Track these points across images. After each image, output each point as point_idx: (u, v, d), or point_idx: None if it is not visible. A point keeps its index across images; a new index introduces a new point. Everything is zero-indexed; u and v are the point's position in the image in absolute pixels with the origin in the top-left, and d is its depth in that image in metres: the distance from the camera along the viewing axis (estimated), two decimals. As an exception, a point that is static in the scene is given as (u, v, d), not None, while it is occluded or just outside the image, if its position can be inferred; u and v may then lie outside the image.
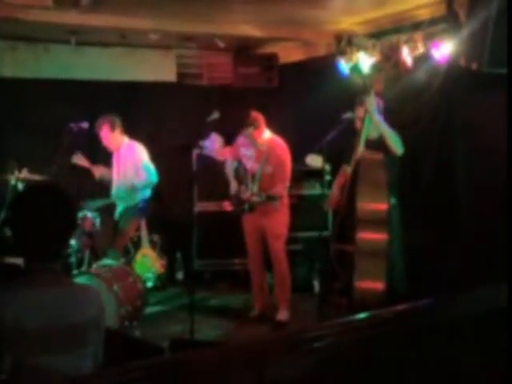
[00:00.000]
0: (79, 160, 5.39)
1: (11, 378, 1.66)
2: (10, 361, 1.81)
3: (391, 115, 4.45)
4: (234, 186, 4.95)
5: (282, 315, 4.83)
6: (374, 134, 4.30)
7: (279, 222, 4.82)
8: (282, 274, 4.86)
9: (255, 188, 4.70)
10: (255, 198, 4.60)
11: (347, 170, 4.34)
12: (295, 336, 1.93)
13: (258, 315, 4.96)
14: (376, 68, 5.25)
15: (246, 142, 4.89)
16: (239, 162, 4.92)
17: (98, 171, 5.42)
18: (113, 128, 5.26)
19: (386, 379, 1.85)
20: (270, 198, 4.53)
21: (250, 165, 4.83)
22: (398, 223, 4.23)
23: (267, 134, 4.83)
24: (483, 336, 2.05)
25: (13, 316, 1.82)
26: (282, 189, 4.67)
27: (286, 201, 4.85)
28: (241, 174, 4.85)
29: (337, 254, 4.28)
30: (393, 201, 4.19)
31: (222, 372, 1.70)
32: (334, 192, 4.60)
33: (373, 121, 4.21)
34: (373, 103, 4.17)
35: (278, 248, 4.83)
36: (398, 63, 4.79)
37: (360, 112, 4.34)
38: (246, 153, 4.89)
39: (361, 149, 4.25)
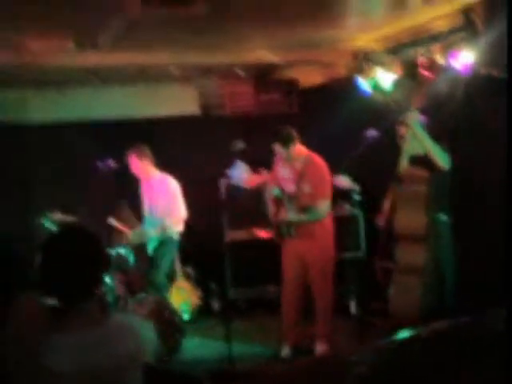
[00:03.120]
0: (114, 223, 5.35)
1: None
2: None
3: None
4: (271, 211, 4.69)
5: (322, 348, 4.54)
6: (419, 151, 4.17)
7: (324, 244, 4.51)
8: (326, 304, 4.54)
9: (292, 209, 4.46)
10: (291, 217, 4.42)
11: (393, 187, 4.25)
12: (335, 361, 1.88)
13: (291, 353, 4.63)
14: (398, 84, 5.23)
15: (280, 161, 4.65)
16: (279, 186, 4.63)
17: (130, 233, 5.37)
18: (141, 157, 5.33)
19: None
20: (306, 212, 4.32)
21: (288, 186, 4.59)
22: (449, 240, 4.09)
23: (302, 150, 4.58)
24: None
25: (51, 359, 1.82)
26: (324, 206, 4.42)
27: (329, 221, 4.59)
28: (279, 199, 4.60)
29: (381, 272, 4.19)
30: (443, 218, 4.08)
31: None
32: (385, 208, 4.43)
33: (416, 136, 4.10)
34: (415, 118, 4.09)
35: (325, 273, 4.51)
36: (418, 77, 4.76)
37: (401, 130, 4.27)
38: (284, 174, 4.63)
39: (404, 165, 4.17)
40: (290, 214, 4.45)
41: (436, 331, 2.00)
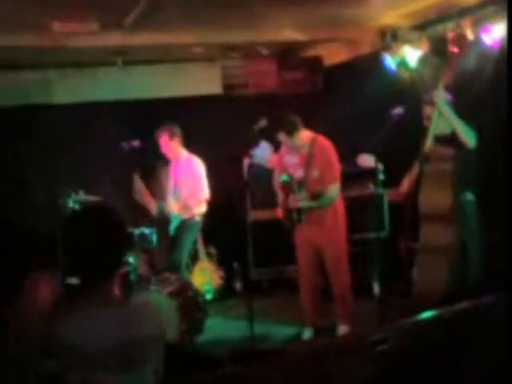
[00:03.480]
0: (138, 183, 5.32)
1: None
2: (75, 378, 1.82)
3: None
4: (280, 198, 4.66)
5: (344, 329, 4.54)
6: (445, 130, 4.07)
7: (336, 231, 4.48)
8: (343, 288, 4.53)
9: (301, 195, 4.42)
10: (301, 204, 4.38)
11: (417, 166, 4.17)
12: (358, 340, 1.86)
13: (312, 335, 4.62)
14: (424, 61, 5.12)
15: (287, 149, 4.61)
16: (287, 173, 4.59)
17: (154, 204, 5.37)
18: (172, 136, 5.36)
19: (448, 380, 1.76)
20: (317, 198, 4.28)
21: (297, 172, 4.54)
22: (475, 220, 4.01)
23: (307, 135, 4.52)
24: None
25: (70, 337, 1.83)
26: (333, 191, 4.40)
27: (340, 205, 4.55)
28: (288, 185, 4.54)
29: (406, 252, 4.13)
30: (469, 197, 3.98)
31: (286, 381, 1.66)
32: (403, 185, 4.33)
33: (442, 114, 4.00)
34: (441, 96, 3.99)
35: (338, 258, 4.49)
36: (446, 54, 4.63)
37: (427, 110, 4.16)
38: (291, 161, 4.58)
39: (429, 144, 4.08)
40: (300, 201, 4.41)
41: (459, 312, 1.96)
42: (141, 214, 5.39)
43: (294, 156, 4.56)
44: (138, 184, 5.27)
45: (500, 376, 1.75)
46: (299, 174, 4.51)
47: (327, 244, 4.50)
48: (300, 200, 4.42)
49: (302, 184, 4.47)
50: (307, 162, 4.45)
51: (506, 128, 3.55)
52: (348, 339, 2.50)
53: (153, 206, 5.33)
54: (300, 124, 4.48)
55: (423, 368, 1.74)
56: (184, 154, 5.50)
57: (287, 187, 4.53)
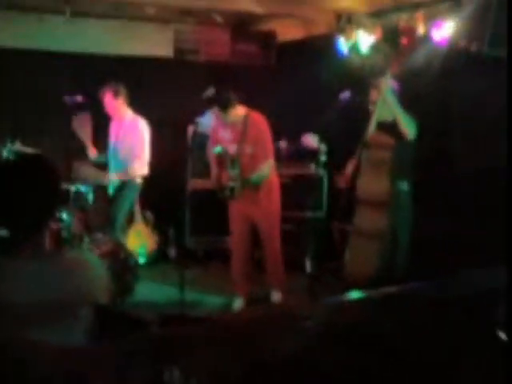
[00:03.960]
0: (80, 124, 5.18)
1: (4, 347, 1.63)
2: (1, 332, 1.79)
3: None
4: (214, 172, 4.62)
5: (276, 297, 4.64)
6: (387, 117, 4.17)
7: (270, 207, 4.51)
8: (275, 255, 4.59)
9: (234, 172, 4.39)
10: (232, 183, 4.37)
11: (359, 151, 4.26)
12: (286, 313, 1.91)
13: (243, 305, 4.67)
14: (375, 48, 5.21)
15: (222, 123, 4.55)
16: (222, 146, 4.51)
17: (93, 151, 5.31)
18: (116, 95, 5.21)
19: (374, 361, 1.84)
20: (247, 183, 4.28)
21: (230, 148, 4.46)
22: (408, 209, 4.14)
23: (240, 110, 4.43)
24: (476, 319, 2.04)
25: None
26: (266, 168, 4.39)
27: (275, 181, 4.56)
28: (222, 158, 4.47)
29: (338, 233, 4.25)
30: (404, 186, 4.11)
31: (210, 348, 1.68)
32: (347, 171, 4.42)
33: (386, 103, 4.08)
34: (388, 84, 4.07)
35: (271, 228, 4.55)
36: (397, 44, 4.73)
37: (373, 95, 4.24)
38: (224, 136, 4.51)
39: (371, 130, 4.17)
40: (232, 180, 4.40)
41: (387, 294, 2.04)
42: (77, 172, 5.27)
43: (228, 131, 4.50)
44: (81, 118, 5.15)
45: (425, 361, 1.86)
46: (232, 149, 4.47)
47: (261, 218, 4.53)
48: (231, 179, 4.40)
49: (235, 160, 4.43)
50: (240, 138, 4.40)
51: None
52: (274, 312, 2.56)
53: (91, 149, 5.24)
54: (235, 100, 4.39)
55: (347, 346, 1.82)
56: (129, 114, 5.37)
57: (221, 160, 4.49)
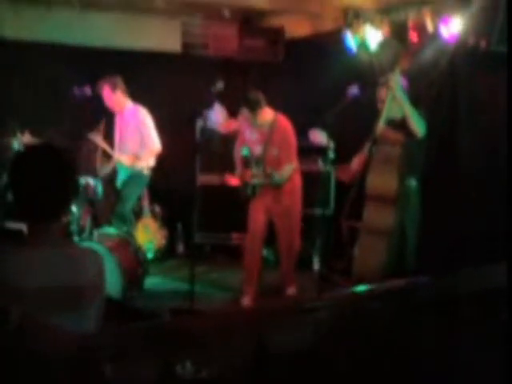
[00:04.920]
0: (96, 139, 5.14)
1: (19, 329, 1.67)
2: (18, 312, 1.82)
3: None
4: (239, 171, 4.77)
5: (292, 290, 4.70)
6: (397, 115, 4.17)
7: (292, 206, 4.64)
8: (293, 253, 4.69)
9: (258, 171, 4.54)
10: (255, 181, 4.50)
11: (367, 147, 4.26)
12: (294, 305, 1.94)
13: (252, 300, 4.69)
14: (383, 45, 5.21)
15: (249, 124, 4.69)
16: (248, 147, 4.66)
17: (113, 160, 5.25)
18: (114, 88, 5.18)
19: (381, 352, 1.87)
20: (269, 177, 4.40)
21: (256, 149, 4.63)
22: (417, 206, 4.15)
23: (269, 113, 4.61)
24: (482, 314, 2.06)
25: (13, 275, 1.83)
26: (287, 170, 4.54)
27: (297, 182, 4.70)
28: (248, 159, 4.62)
29: (347, 230, 4.26)
30: (413, 183, 4.12)
31: (220, 339, 1.70)
32: (352, 165, 4.45)
33: (396, 99, 4.08)
34: (397, 81, 4.06)
35: (291, 227, 4.66)
36: (405, 40, 4.73)
37: (382, 93, 4.24)
38: (251, 137, 4.67)
39: (380, 127, 4.17)
40: (254, 177, 4.54)
41: (391, 288, 2.06)
42: (86, 164, 5.29)
43: (255, 132, 4.65)
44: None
45: (428, 351, 1.88)
46: (258, 150, 4.62)
47: (282, 215, 4.65)
48: (254, 176, 4.54)
49: (259, 160, 4.59)
50: (267, 140, 4.56)
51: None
52: (282, 305, 2.59)
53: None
54: (263, 101, 4.55)
55: (356, 338, 1.84)
56: (130, 104, 5.32)
57: (246, 160, 4.62)
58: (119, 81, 5.23)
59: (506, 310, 1.98)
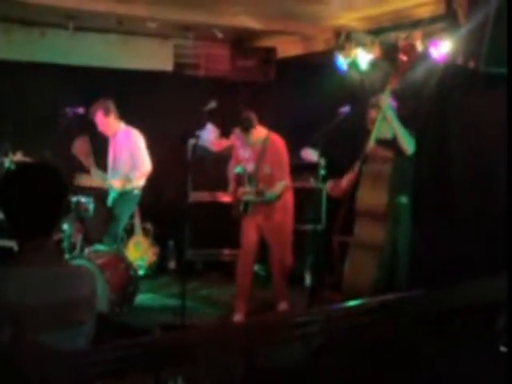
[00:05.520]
0: (79, 149, 5.06)
1: (9, 350, 1.66)
2: (9, 332, 1.82)
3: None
4: (232, 188, 4.80)
5: (284, 306, 4.72)
6: (387, 134, 4.21)
7: (283, 222, 4.69)
8: (285, 269, 4.73)
9: (251, 188, 4.59)
10: (247, 198, 4.54)
11: (357, 165, 4.30)
12: (285, 320, 1.95)
13: (243, 318, 4.69)
14: (374, 65, 5.29)
15: (241, 143, 4.77)
16: (241, 165, 4.73)
17: (95, 175, 5.14)
18: (107, 113, 5.19)
19: (373, 365, 1.88)
20: (261, 194, 4.44)
21: (248, 166, 4.69)
22: (407, 222, 4.18)
23: (261, 132, 4.68)
24: (474, 327, 2.07)
25: (4, 293, 1.82)
26: (279, 187, 4.58)
27: (289, 199, 4.75)
28: (241, 177, 4.69)
29: (338, 245, 4.27)
30: (403, 200, 4.15)
31: (210, 353, 1.71)
32: (343, 182, 4.47)
33: (386, 118, 4.12)
34: (387, 101, 4.12)
35: (283, 243, 4.72)
36: (396, 61, 4.80)
37: (372, 113, 4.29)
38: (244, 155, 4.75)
39: (371, 145, 4.22)
40: (247, 195, 4.59)
41: (382, 302, 2.08)
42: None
43: (248, 150, 4.72)
44: (81, 142, 5.11)
45: (423, 363, 1.89)
46: (250, 168, 4.68)
47: (274, 232, 4.70)
48: (247, 193, 4.58)
49: (252, 178, 4.65)
50: (259, 158, 4.63)
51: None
52: (273, 319, 2.59)
53: (89, 163, 5.11)
54: (255, 121, 4.63)
55: (347, 350, 1.85)
56: (122, 126, 5.34)
57: (240, 178, 4.68)
58: (111, 105, 5.24)
59: (500, 321, 2.00)
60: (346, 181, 4.44)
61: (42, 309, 1.85)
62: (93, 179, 5.05)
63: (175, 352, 1.67)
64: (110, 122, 5.26)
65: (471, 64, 4.12)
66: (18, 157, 5.00)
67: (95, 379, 1.60)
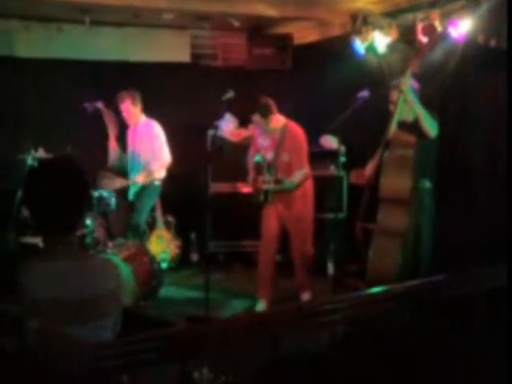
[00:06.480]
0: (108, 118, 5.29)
1: (35, 340, 1.68)
2: (35, 323, 1.83)
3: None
4: (251, 177, 4.77)
5: (307, 296, 4.73)
6: (408, 117, 4.14)
7: (303, 211, 4.67)
8: (307, 258, 4.73)
9: (270, 176, 4.57)
10: (267, 186, 4.52)
11: (380, 151, 4.24)
12: (310, 308, 1.93)
13: (267, 307, 4.71)
14: (392, 48, 5.20)
15: (261, 131, 4.74)
16: (261, 154, 4.70)
17: (114, 145, 5.37)
18: (134, 102, 5.34)
19: (397, 352, 1.85)
20: (280, 183, 4.43)
21: (267, 155, 4.67)
22: (431, 207, 4.12)
23: (280, 120, 4.65)
24: (490, 313, 2.04)
25: (31, 287, 1.84)
26: (298, 176, 4.56)
27: (309, 187, 4.73)
28: (260, 166, 4.65)
29: (362, 233, 4.23)
30: (427, 185, 4.09)
31: (235, 342, 1.70)
32: (367, 170, 4.39)
33: (407, 101, 4.04)
34: (408, 83, 4.05)
35: (304, 231, 4.71)
36: (414, 43, 4.72)
37: (393, 95, 4.23)
38: (263, 143, 4.72)
39: (392, 129, 4.15)
40: (266, 183, 4.56)
41: (409, 289, 2.05)
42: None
43: (267, 138, 4.70)
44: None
45: (445, 348, 1.86)
46: (270, 156, 4.66)
47: (294, 220, 4.69)
48: (266, 182, 4.55)
49: (271, 166, 4.63)
50: (278, 146, 4.60)
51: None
52: (299, 309, 2.57)
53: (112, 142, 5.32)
54: (274, 107, 4.60)
55: (372, 337, 1.83)
56: (143, 118, 5.48)
57: (259, 166, 4.65)
58: (138, 96, 5.39)
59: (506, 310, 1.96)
60: (369, 168, 4.38)
61: (69, 302, 1.87)
62: (115, 182, 5.12)
63: (200, 343, 1.67)
64: (135, 112, 5.39)
65: (493, 42, 4.02)
66: (40, 153, 5.05)
67: (120, 371, 1.60)
